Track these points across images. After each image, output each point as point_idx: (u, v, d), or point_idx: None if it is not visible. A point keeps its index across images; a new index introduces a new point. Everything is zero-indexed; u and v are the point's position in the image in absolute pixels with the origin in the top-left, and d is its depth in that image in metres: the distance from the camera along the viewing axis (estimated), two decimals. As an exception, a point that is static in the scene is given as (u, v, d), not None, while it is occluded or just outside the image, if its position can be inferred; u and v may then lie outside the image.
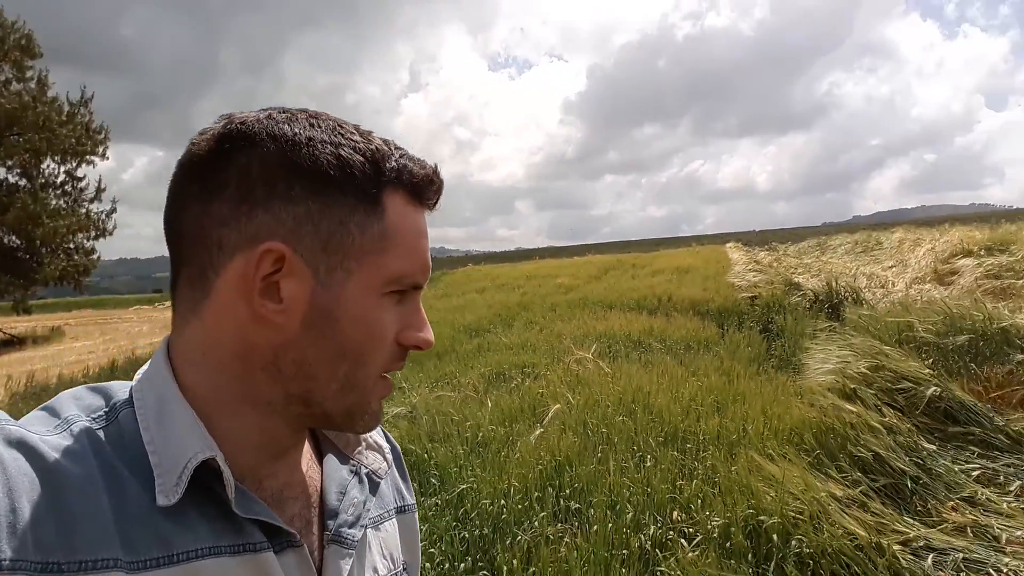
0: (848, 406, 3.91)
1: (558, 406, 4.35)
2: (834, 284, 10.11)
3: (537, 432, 3.99)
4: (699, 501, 3.11)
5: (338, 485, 0.70)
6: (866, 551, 2.51)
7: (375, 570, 0.71)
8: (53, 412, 0.58)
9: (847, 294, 9.70)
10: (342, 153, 0.59)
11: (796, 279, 13.13)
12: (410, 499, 0.83)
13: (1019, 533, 3.29)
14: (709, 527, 2.75)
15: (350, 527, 0.68)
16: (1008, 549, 3.13)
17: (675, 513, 3.05)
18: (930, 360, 5.31)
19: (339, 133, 0.61)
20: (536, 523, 2.95)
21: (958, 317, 6.03)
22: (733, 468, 3.27)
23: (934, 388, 4.49)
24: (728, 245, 29.38)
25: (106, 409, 0.60)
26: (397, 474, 0.82)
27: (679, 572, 2.58)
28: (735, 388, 4.74)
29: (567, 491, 3.24)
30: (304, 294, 0.59)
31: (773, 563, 2.49)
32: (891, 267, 15.72)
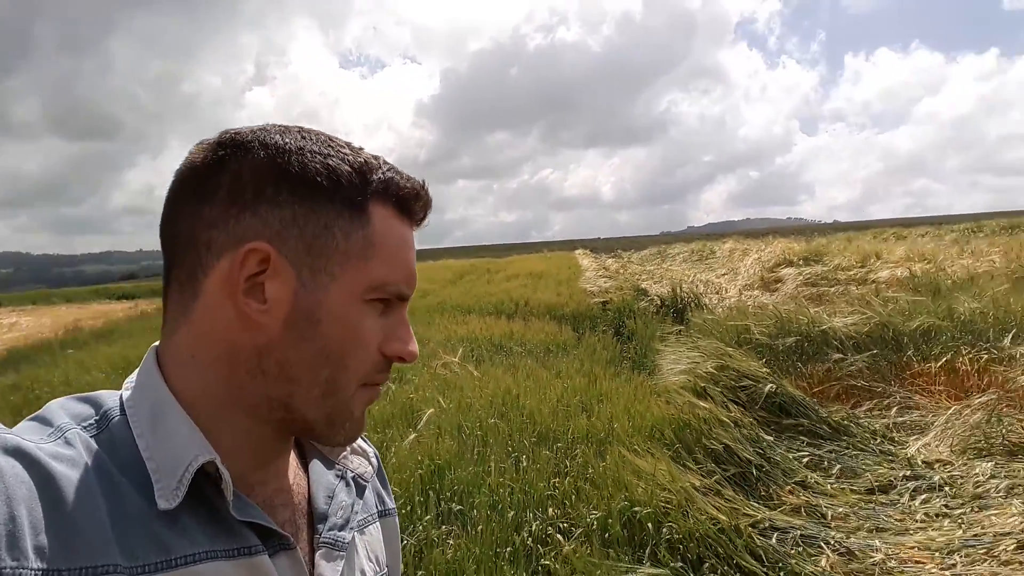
0: (701, 403, 4.28)
1: (432, 410, 4.40)
2: (678, 290, 10.87)
3: (411, 437, 4.02)
4: (573, 497, 3.29)
5: (325, 489, 0.72)
6: (727, 533, 2.79)
7: (362, 572, 0.72)
8: (45, 421, 0.58)
9: (690, 299, 10.47)
10: (330, 163, 0.62)
11: (643, 285, 13.96)
12: (391, 504, 0.84)
13: (841, 510, 3.76)
14: (588, 520, 2.93)
15: (340, 530, 0.69)
16: (833, 524, 3.57)
17: (551, 510, 3.21)
18: (764, 360, 5.89)
19: (329, 145, 0.63)
20: (420, 527, 2.99)
21: (786, 321, 6.73)
22: (603, 464, 3.49)
23: (770, 385, 5.00)
24: (577, 252, 30.65)
25: (96, 417, 0.60)
26: (378, 479, 0.83)
27: (559, 565, 2.74)
28: (598, 389, 5.01)
29: (448, 493, 3.31)
30: (287, 295, 0.60)
31: (648, 549, 2.71)
32: (724, 274, 17.06)
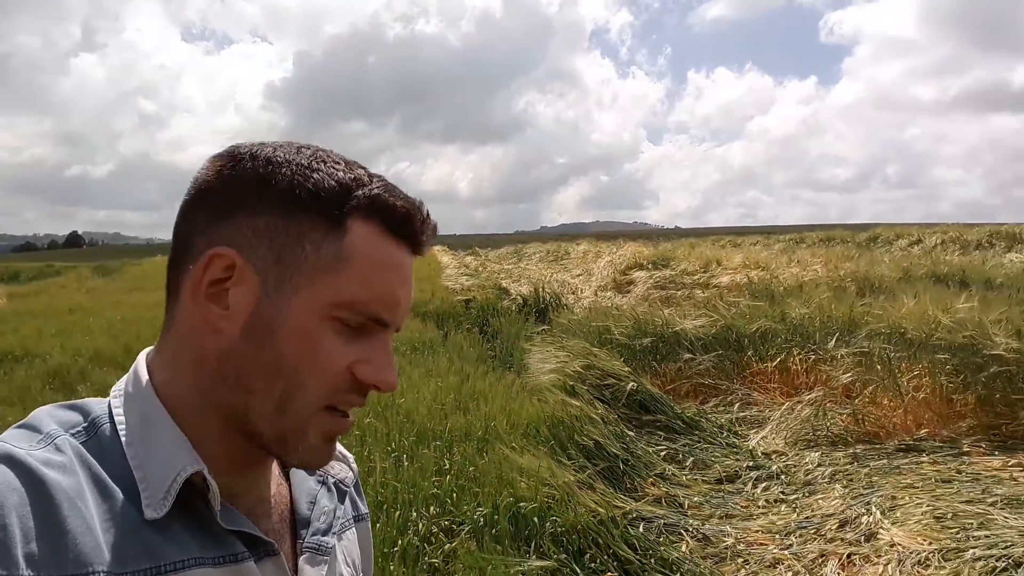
0: (573, 401, 4.50)
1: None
2: (540, 290, 11.22)
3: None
4: (454, 495, 3.37)
5: (308, 495, 0.73)
6: (605, 525, 2.99)
7: None
8: (33, 428, 0.58)
9: (551, 299, 10.84)
10: (315, 176, 0.61)
11: (503, 284, 14.23)
12: (363, 508, 0.85)
13: (696, 499, 4.10)
14: (475, 517, 3.02)
15: (323, 535, 0.71)
16: (690, 513, 3.89)
17: (432, 508, 3.27)
18: (623, 359, 6.25)
19: (321, 160, 0.63)
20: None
21: (643, 322, 7.16)
22: (483, 462, 3.59)
23: (632, 383, 5.33)
24: (436, 248, 30.60)
25: (85, 424, 0.60)
26: (355, 488, 0.84)
27: (447, 563, 2.81)
28: (471, 387, 5.12)
29: (329, 495, 3.27)
30: (249, 303, 0.61)
31: (534, 543, 2.84)
32: (579, 275, 17.66)
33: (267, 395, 0.61)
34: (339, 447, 0.79)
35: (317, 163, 0.62)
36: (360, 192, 0.62)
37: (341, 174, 0.62)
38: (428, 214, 0.66)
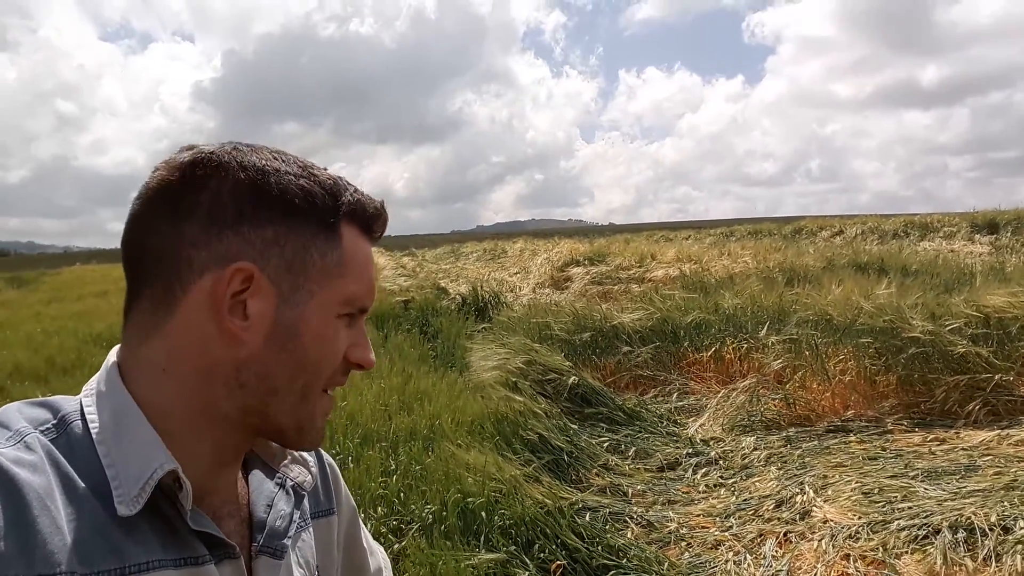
0: (516, 397, 4.54)
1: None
2: (479, 289, 11.23)
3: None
4: (401, 495, 3.36)
5: (266, 498, 0.74)
6: (552, 515, 3.03)
7: None
8: (2, 425, 0.59)
9: (490, 298, 10.87)
10: (304, 184, 0.65)
11: (442, 284, 14.19)
12: (326, 504, 0.85)
13: (639, 487, 4.19)
14: (424, 515, 3.02)
15: (280, 538, 0.72)
16: (634, 501, 3.98)
17: (380, 509, 3.25)
18: (564, 354, 6.34)
19: (301, 166, 0.67)
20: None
21: (582, 317, 7.27)
22: (430, 460, 3.59)
23: (573, 377, 5.42)
24: (372, 250, 30.27)
25: (54, 422, 0.61)
26: (319, 482, 0.84)
27: (392, 561, 2.80)
28: (415, 387, 5.10)
29: (274, 500, 3.22)
30: (269, 312, 0.64)
31: (483, 536, 2.86)
32: (516, 273, 17.74)
33: (289, 391, 0.66)
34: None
35: (298, 169, 0.67)
36: (344, 199, 0.68)
37: (322, 179, 0.68)
38: (386, 210, 0.74)
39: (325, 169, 0.70)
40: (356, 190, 0.70)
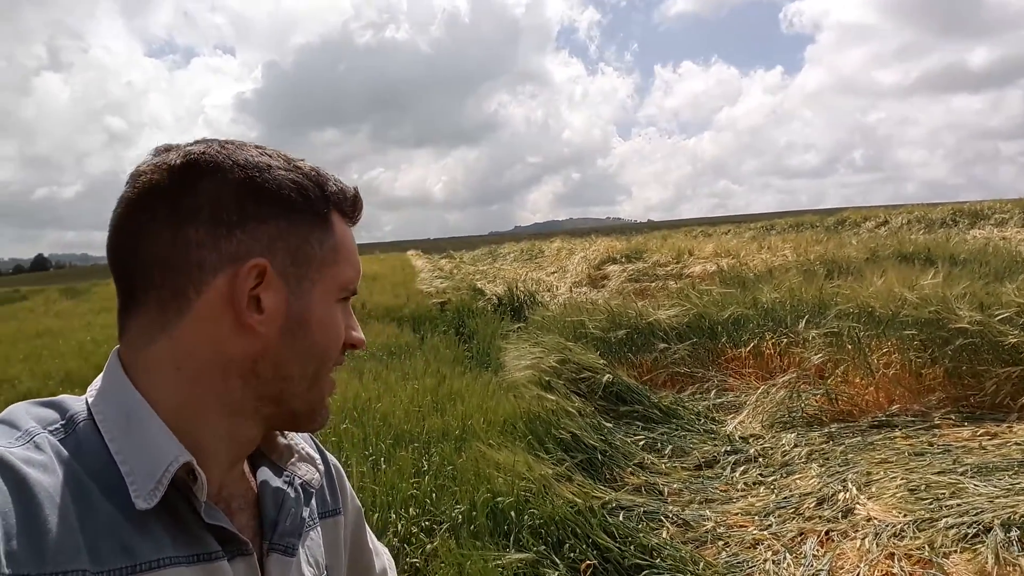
0: (548, 396, 4.51)
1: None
2: (515, 289, 11.23)
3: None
4: (433, 495, 3.36)
5: (274, 496, 0.74)
6: (583, 515, 2.99)
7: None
8: (11, 425, 0.59)
9: (526, 297, 10.85)
10: (295, 178, 0.68)
11: (479, 285, 14.23)
12: (332, 504, 0.85)
13: (675, 486, 4.12)
14: (454, 514, 3.01)
15: (290, 536, 0.72)
16: (670, 500, 3.91)
17: (411, 509, 3.25)
18: (599, 352, 6.28)
19: (286, 160, 0.69)
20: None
21: (617, 315, 7.20)
22: (461, 460, 3.58)
23: (607, 375, 5.36)
24: (410, 253, 30.61)
25: (63, 421, 0.61)
26: (325, 483, 0.85)
27: (427, 562, 2.80)
28: (449, 387, 5.11)
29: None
30: (281, 304, 0.66)
31: (512, 536, 2.84)
32: (553, 272, 17.75)
33: (302, 377, 0.69)
34: (307, 447, 0.81)
35: (285, 163, 0.69)
36: (329, 189, 0.71)
37: (307, 171, 0.70)
38: (361, 196, 0.76)
39: (303, 160, 0.71)
40: (336, 179, 0.73)
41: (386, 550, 1.00)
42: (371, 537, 0.95)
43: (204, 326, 0.64)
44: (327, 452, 0.89)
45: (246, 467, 0.75)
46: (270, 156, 0.68)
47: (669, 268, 12.92)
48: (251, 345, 0.65)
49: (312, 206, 0.68)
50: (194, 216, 0.63)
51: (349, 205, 0.74)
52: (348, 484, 0.91)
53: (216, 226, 0.63)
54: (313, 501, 0.81)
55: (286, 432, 0.79)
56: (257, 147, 0.69)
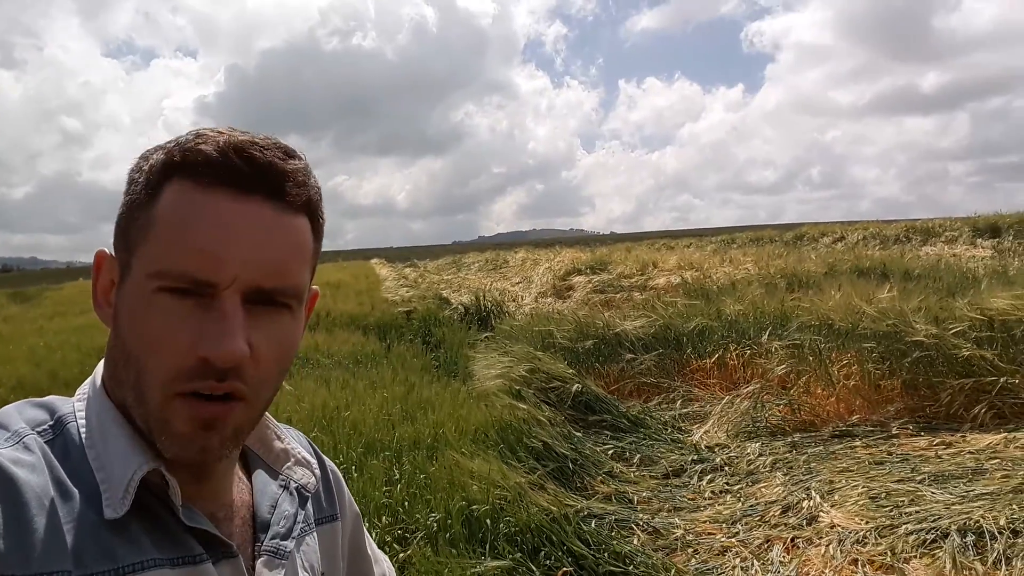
0: (520, 405, 4.53)
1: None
2: (482, 298, 11.23)
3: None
4: (406, 503, 3.35)
5: (269, 499, 0.73)
6: (558, 522, 3.02)
7: None
8: (1, 425, 0.59)
9: (493, 307, 10.87)
10: (157, 155, 0.61)
11: (444, 294, 14.19)
12: (329, 510, 0.83)
13: (644, 494, 4.17)
14: (428, 523, 3.00)
15: (283, 539, 0.70)
16: (639, 508, 3.96)
17: (384, 518, 3.24)
18: (567, 362, 6.33)
19: (179, 140, 0.61)
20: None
21: (585, 325, 7.26)
22: (434, 468, 3.58)
23: (577, 385, 5.40)
24: (374, 261, 30.36)
25: (51, 423, 0.61)
26: (322, 488, 0.82)
27: (397, 570, 2.79)
28: (418, 396, 5.09)
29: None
30: (113, 296, 0.63)
31: (488, 544, 2.85)
32: (518, 283, 17.75)
33: (128, 383, 0.60)
34: (303, 452, 0.79)
35: (169, 142, 0.61)
36: (177, 153, 0.59)
37: (182, 141, 0.60)
38: (259, 145, 0.60)
39: (235, 132, 0.61)
40: (201, 138, 0.60)
41: (386, 557, 0.98)
42: (370, 544, 0.93)
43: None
44: (325, 458, 0.86)
45: (239, 472, 0.73)
46: (172, 140, 0.62)
47: (634, 280, 13.05)
48: (111, 339, 0.63)
49: (147, 179, 0.60)
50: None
51: (207, 163, 0.58)
52: (347, 490, 0.88)
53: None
54: (310, 506, 0.79)
55: (282, 435, 0.78)
56: (191, 132, 0.62)
